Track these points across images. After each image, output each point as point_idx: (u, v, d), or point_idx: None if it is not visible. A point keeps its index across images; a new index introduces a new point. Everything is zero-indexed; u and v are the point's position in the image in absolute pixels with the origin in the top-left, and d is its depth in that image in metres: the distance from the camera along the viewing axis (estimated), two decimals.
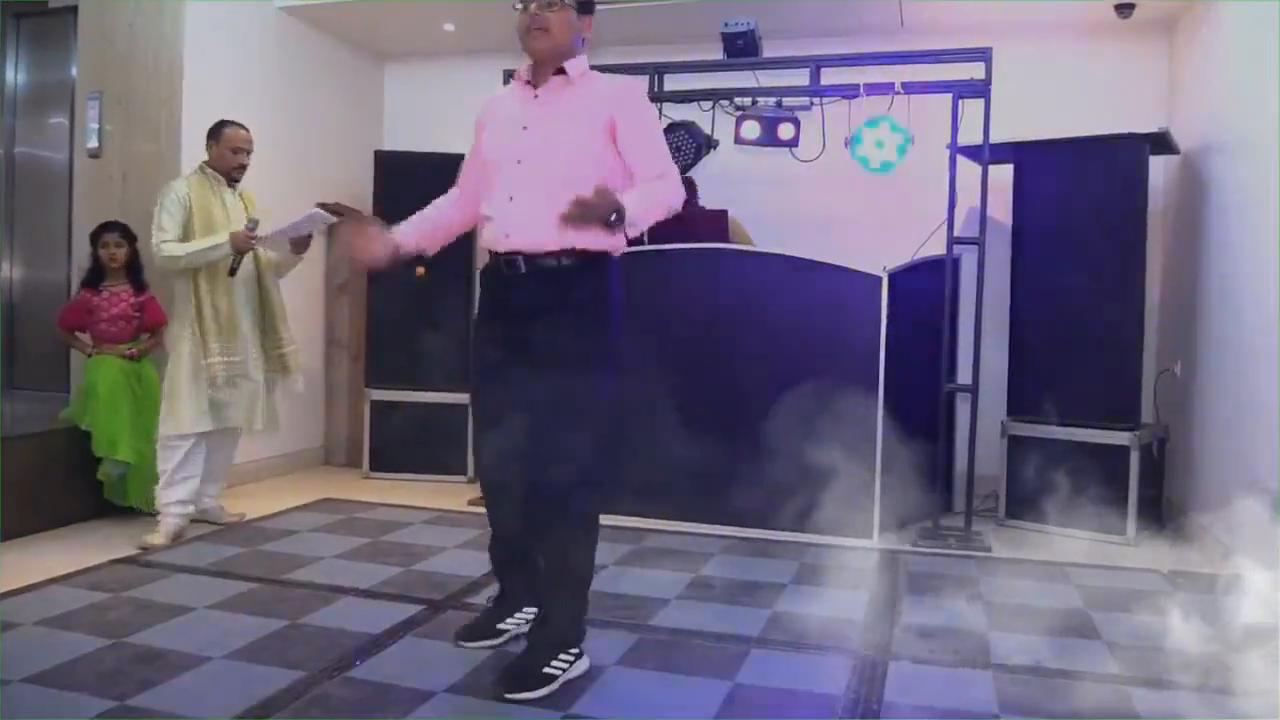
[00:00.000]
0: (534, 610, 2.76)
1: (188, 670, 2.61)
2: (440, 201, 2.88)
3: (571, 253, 2.51)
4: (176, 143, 4.78)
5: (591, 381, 2.55)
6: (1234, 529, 3.89)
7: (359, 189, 5.77)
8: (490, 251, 2.63)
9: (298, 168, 5.60)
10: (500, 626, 2.88)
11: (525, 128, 2.56)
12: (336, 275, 5.90)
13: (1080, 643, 3.00)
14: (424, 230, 2.81)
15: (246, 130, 4.25)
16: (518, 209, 2.52)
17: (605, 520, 4.34)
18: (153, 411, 4.26)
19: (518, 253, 2.52)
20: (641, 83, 2.65)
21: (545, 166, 2.51)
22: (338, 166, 5.90)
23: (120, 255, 4.34)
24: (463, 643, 2.85)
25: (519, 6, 2.55)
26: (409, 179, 5.45)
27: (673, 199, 2.56)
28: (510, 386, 2.58)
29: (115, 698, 2.42)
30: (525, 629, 2.78)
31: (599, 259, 2.57)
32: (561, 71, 2.57)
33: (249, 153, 4.26)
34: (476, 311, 2.80)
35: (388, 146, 6.11)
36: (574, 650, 2.65)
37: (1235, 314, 4.08)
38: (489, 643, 2.85)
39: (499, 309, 2.63)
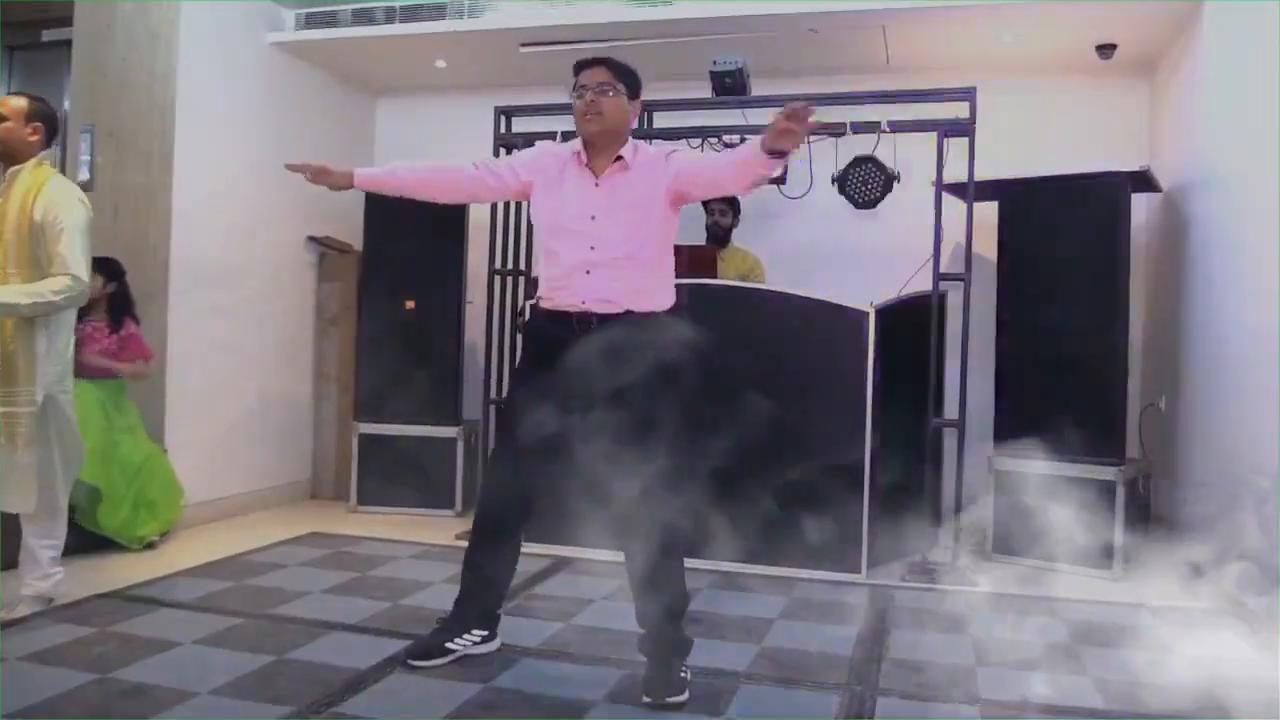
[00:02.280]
0: (480, 634, 3.05)
1: (174, 706, 2.60)
2: (432, 168, 3.17)
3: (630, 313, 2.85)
4: (169, 176, 4.82)
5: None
6: (1217, 563, 3.93)
7: (351, 222, 5.82)
8: (549, 307, 2.92)
9: (290, 200, 5.63)
10: (449, 646, 3.01)
11: (593, 218, 2.85)
12: (327, 307, 5.93)
13: (1066, 677, 3.02)
14: (387, 184, 3.15)
15: None
16: (594, 281, 2.84)
17: (593, 555, 4.39)
18: (128, 440, 4.28)
19: (591, 314, 2.84)
20: (670, 149, 2.98)
21: (615, 247, 2.83)
22: (329, 199, 5.90)
23: (94, 289, 4.34)
24: (413, 662, 2.97)
25: (575, 94, 2.86)
26: (401, 212, 5.48)
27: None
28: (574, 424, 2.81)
29: None
30: (472, 649, 3.03)
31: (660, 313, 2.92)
32: (619, 158, 2.87)
33: None
34: (526, 355, 3.12)
35: None
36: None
37: (1218, 349, 4.15)
38: (438, 661, 2.97)
39: (557, 355, 2.81)
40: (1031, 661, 3.15)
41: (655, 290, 2.89)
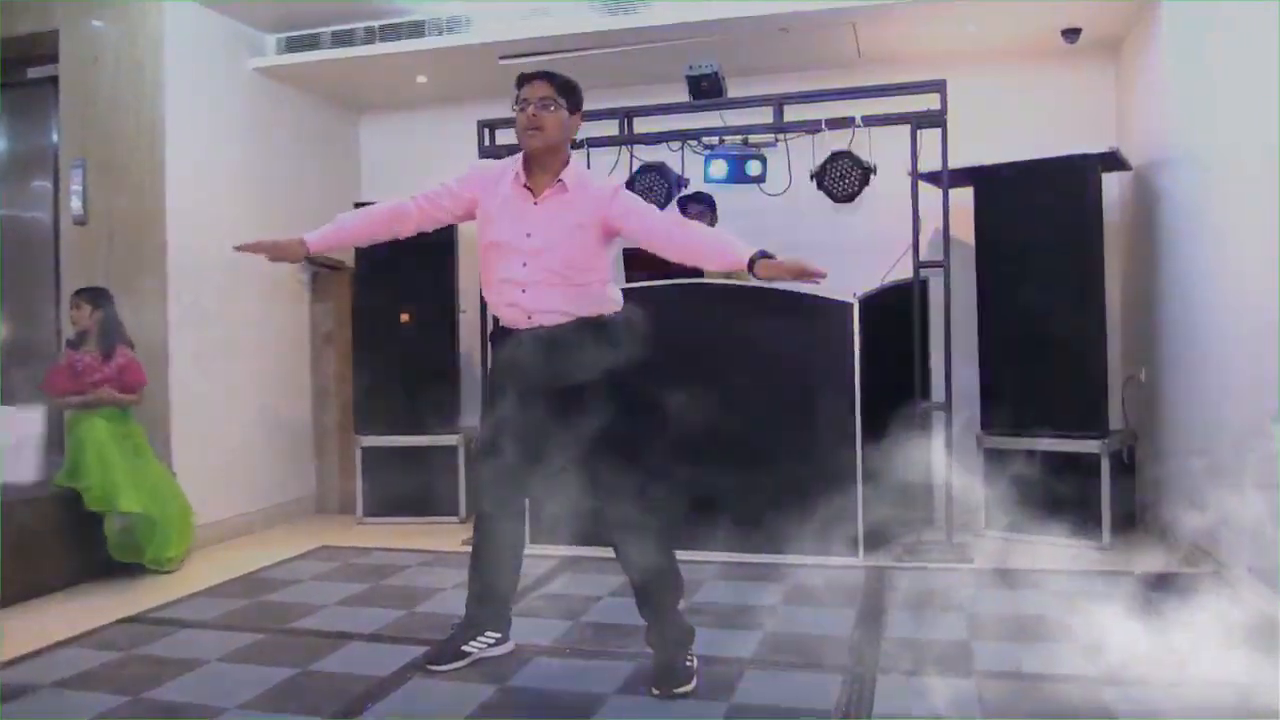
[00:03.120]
0: (494, 636, 3.16)
1: None
2: (376, 212, 3.20)
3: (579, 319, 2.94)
4: (161, 204, 4.91)
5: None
6: (1205, 529, 4.08)
7: None
8: (504, 324, 3.03)
9: (279, 221, 5.72)
10: (464, 649, 3.12)
11: (529, 235, 2.91)
12: (321, 325, 6.04)
13: (1057, 646, 3.16)
14: (339, 239, 3.23)
15: None
16: (529, 297, 2.92)
17: (593, 554, 4.52)
18: (144, 465, 4.40)
19: (540, 326, 2.93)
20: (620, 185, 3.06)
21: (547, 265, 2.89)
22: (318, 220, 5.99)
23: (81, 319, 4.47)
24: (431, 667, 3.07)
25: (517, 107, 2.90)
26: None
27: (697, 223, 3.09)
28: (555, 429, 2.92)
29: None
30: (487, 651, 3.15)
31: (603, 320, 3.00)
32: (560, 181, 2.92)
33: None
34: (495, 366, 3.15)
35: (366, 197, 6.23)
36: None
37: (1191, 319, 4.28)
38: (455, 665, 3.09)
39: (519, 365, 2.96)
40: (1024, 633, 3.29)
41: (596, 299, 2.95)
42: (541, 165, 2.94)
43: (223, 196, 5.31)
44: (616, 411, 2.88)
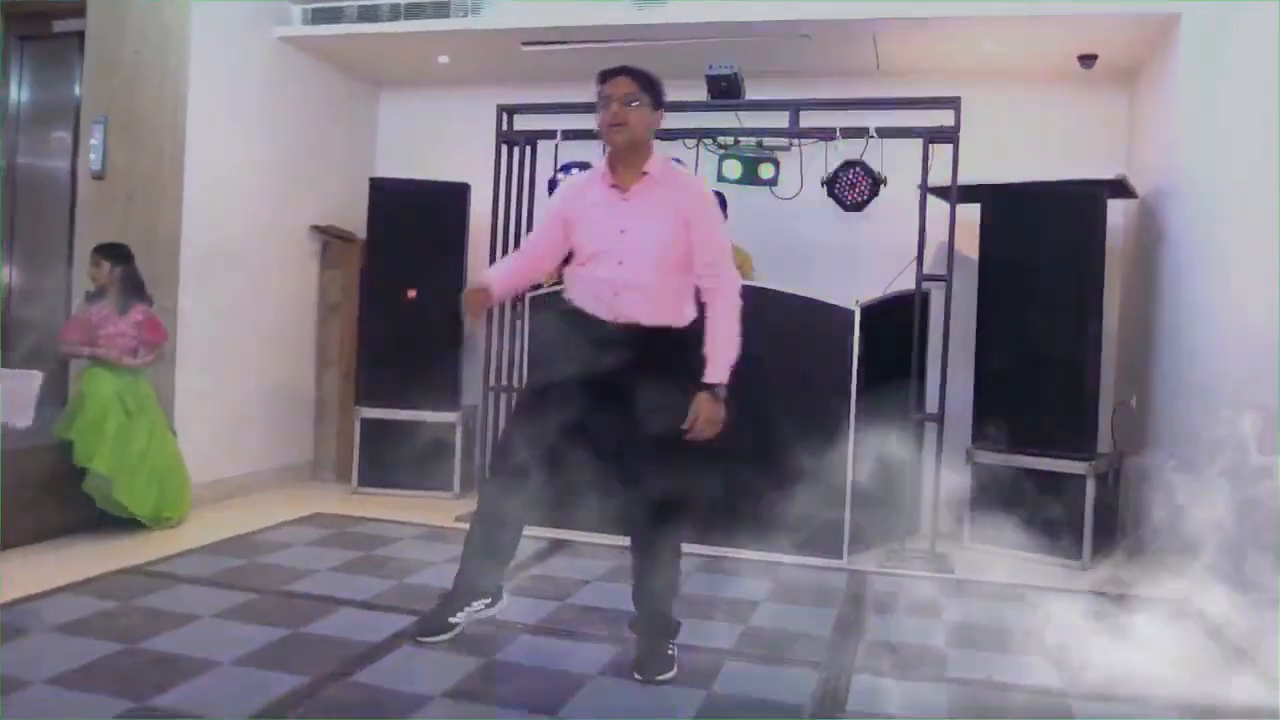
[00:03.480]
0: (483, 602, 3.20)
1: (200, 674, 2.81)
2: (518, 258, 3.31)
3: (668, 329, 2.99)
4: (180, 167, 4.98)
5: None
6: (1182, 554, 4.17)
7: (354, 213, 5.99)
8: (584, 309, 3.01)
9: (295, 192, 5.83)
10: (452, 620, 3.17)
11: (623, 230, 2.93)
12: (329, 294, 6.11)
13: (1030, 659, 3.25)
14: (513, 284, 3.34)
15: None
16: (626, 300, 2.94)
17: (589, 539, 4.62)
18: (146, 429, 4.47)
19: (624, 324, 2.95)
20: (705, 184, 3.24)
21: (643, 263, 2.92)
22: (333, 191, 6.13)
23: (100, 275, 4.53)
24: (421, 639, 3.12)
25: (600, 104, 2.94)
26: (402, 205, 5.71)
27: (733, 303, 2.98)
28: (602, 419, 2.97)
29: (134, 699, 2.61)
30: (481, 614, 3.20)
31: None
32: (645, 174, 2.95)
33: None
34: (554, 347, 3.09)
35: (381, 172, 6.32)
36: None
37: (1186, 350, 4.36)
38: (443, 637, 3.14)
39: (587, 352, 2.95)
40: (997, 644, 3.38)
41: (682, 307, 2.99)
42: (626, 162, 2.96)
43: (240, 162, 5.39)
44: (673, 406, 2.89)
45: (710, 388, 2.90)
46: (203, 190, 5.07)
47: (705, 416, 2.89)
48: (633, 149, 2.94)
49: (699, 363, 2.94)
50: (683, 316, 3.00)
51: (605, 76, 2.95)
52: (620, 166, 2.97)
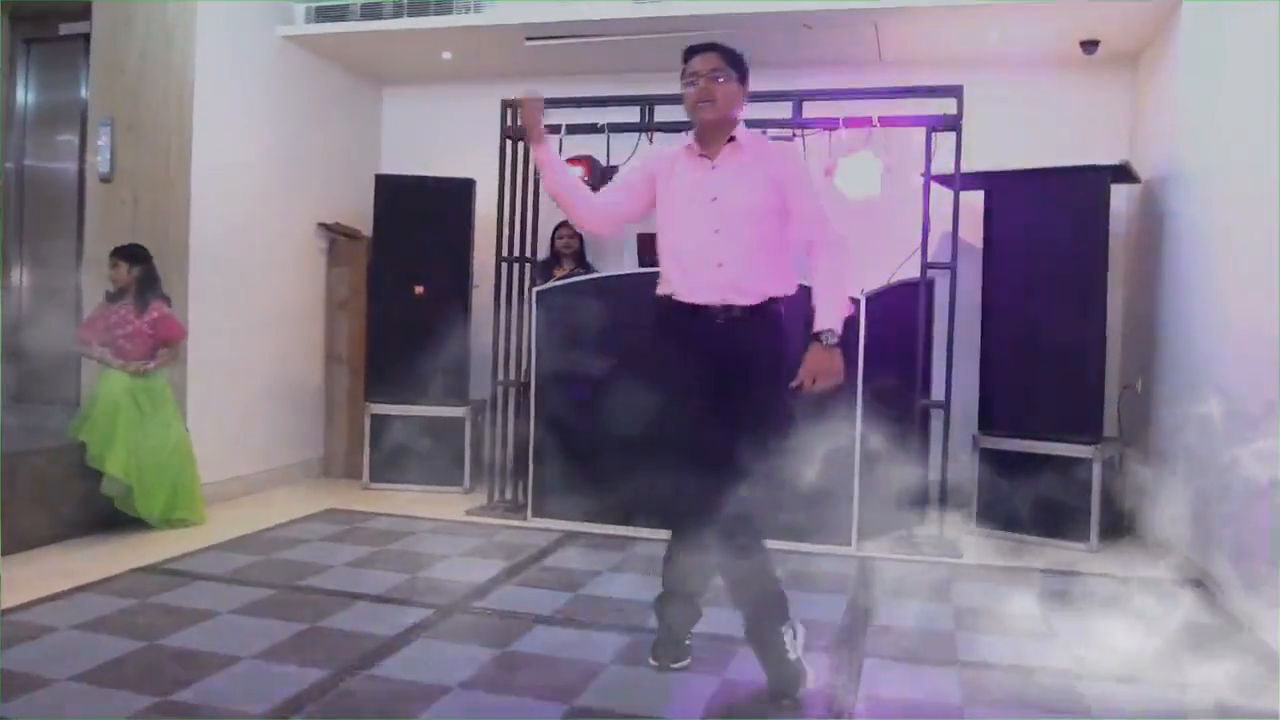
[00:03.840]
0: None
1: (220, 669, 2.86)
2: (583, 188, 3.06)
3: (773, 300, 2.87)
4: (187, 167, 5.02)
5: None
6: (1189, 537, 4.20)
7: (359, 209, 6.03)
8: (687, 300, 2.87)
9: (300, 189, 5.86)
10: (689, 643, 3.06)
11: (715, 199, 2.84)
12: (337, 292, 6.15)
13: (1038, 641, 3.29)
14: (564, 181, 2.99)
15: None
16: (727, 272, 2.81)
17: (598, 529, 4.68)
18: (159, 428, 4.51)
19: (732, 305, 2.83)
20: (795, 146, 3.19)
21: (739, 230, 2.82)
22: (339, 188, 6.16)
23: (119, 276, 4.59)
24: (660, 663, 2.98)
25: (687, 81, 2.85)
26: (408, 201, 5.75)
27: (839, 252, 2.86)
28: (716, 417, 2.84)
29: (157, 694, 2.66)
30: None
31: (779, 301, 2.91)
32: (732, 139, 2.87)
33: None
34: (662, 346, 2.97)
35: (386, 169, 6.36)
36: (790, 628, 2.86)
37: (1189, 334, 4.39)
38: (685, 662, 3.01)
39: (701, 348, 2.86)
40: (1006, 627, 3.42)
41: (784, 274, 2.89)
42: (714, 136, 2.89)
43: (247, 161, 5.43)
44: (781, 401, 2.88)
45: (818, 336, 2.78)
46: (210, 190, 5.11)
47: (818, 368, 2.77)
48: (720, 124, 2.87)
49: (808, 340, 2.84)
50: (789, 284, 2.90)
51: (691, 53, 2.89)
52: (708, 140, 2.91)
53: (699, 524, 2.86)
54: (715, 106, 2.82)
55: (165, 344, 4.64)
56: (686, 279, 2.87)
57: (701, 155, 2.90)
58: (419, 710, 2.62)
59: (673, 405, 2.92)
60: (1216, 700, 2.81)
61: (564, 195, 2.97)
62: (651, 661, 3.00)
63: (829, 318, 2.78)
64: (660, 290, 2.95)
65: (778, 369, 2.88)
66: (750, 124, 4.95)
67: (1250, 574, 3.48)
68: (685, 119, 4.98)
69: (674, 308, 2.90)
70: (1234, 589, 3.65)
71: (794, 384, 2.79)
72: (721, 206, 2.83)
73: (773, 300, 2.86)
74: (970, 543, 4.69)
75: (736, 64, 2.87)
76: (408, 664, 2.96)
